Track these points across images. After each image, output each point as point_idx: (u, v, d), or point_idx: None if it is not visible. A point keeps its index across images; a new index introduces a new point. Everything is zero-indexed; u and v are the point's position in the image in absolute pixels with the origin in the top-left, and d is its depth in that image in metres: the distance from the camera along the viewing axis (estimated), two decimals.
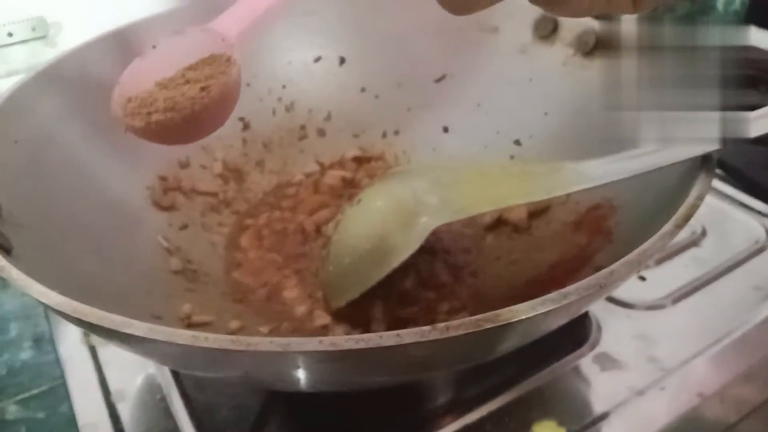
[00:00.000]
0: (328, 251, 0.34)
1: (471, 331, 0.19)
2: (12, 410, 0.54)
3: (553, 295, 0.20)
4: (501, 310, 0.19)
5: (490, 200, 0.30)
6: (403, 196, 0.31)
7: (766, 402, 0.37)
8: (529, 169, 0.32)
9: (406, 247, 0.29)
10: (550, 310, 0.19)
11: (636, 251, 0.22)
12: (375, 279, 0.30)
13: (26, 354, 0.54)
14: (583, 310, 0.25)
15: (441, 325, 0.18)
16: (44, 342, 0.54)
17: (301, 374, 0.20)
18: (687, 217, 0.23)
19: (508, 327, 0.19)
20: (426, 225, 0.29)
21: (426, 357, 0.20)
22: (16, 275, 0.22)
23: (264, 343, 0.18)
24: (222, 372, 0.23)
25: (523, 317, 0.19)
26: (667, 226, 0.23)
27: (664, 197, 0.28)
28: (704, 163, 0.27)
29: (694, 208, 0.24)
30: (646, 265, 0.25)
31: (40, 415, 0.54)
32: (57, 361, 0.55)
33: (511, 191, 0.30)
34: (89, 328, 0.21)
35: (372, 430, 0.31)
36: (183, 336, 0.18)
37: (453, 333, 0.18)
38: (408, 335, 0.18)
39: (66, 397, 0.54)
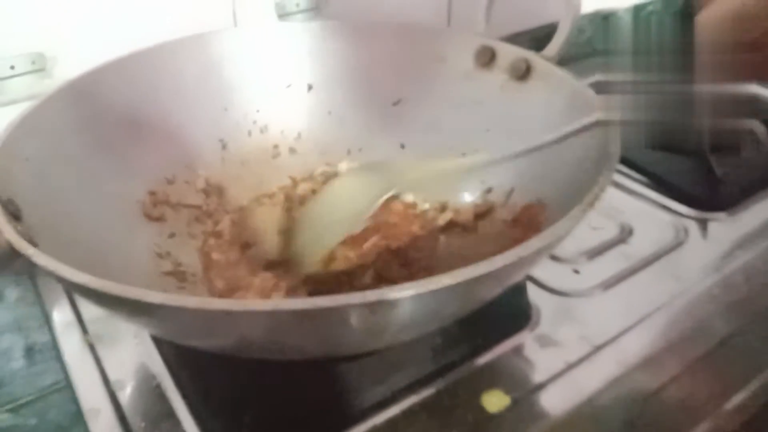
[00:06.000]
0: (294, 227, 0.40)
1: (420, 292, 0.24)
2: (3, 418, 0.57)
3: (484, 263, 0.25)
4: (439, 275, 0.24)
5: (429, 178, 0.37)
6: (361, 178, 0.37)
7: (682, 373, 0.43)
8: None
9: (363, 212, 0.35)
10: (480, 275, 0.25)
11: (547, 231, 0.27)
12: (339, 237, 0.36)
13: (17, 364, 0.57)
14: (508, 282, 0.31)
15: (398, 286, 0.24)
16: (35, 353, 0.57)
17: (285, 334, 0.25)
18: (591, 204, 0.29)
19: (449, 288, 0.24)
20: (380, 193, 0.35)
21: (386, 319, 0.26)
22: (45, 261, 0.26)
23: (258, 303, 0.23)
24: (220, 336, 0.27)
25: (458, 281, 0.24)
26: (574, 212, 0.29)
27: (580, 194, 0.34)
28: (606, 163, 0.33)
29: (597, 197, 0.30)
30: (558, 245, 0.31)
31: (32, 421, 0.57)
32: (46, 372, 0.58)
33: (443, 167, 0.37)
34: (110, 301, 0.26)
35: (347, 402, 0.36)
36: (192, 301, 0.23)
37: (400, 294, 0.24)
38: (372, 294, 0.23)
39: (55, 403, 0.58)
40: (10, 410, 0.58)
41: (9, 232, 0.28)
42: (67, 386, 0.59)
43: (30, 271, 0.50)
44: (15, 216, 0.31)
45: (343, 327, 0.25)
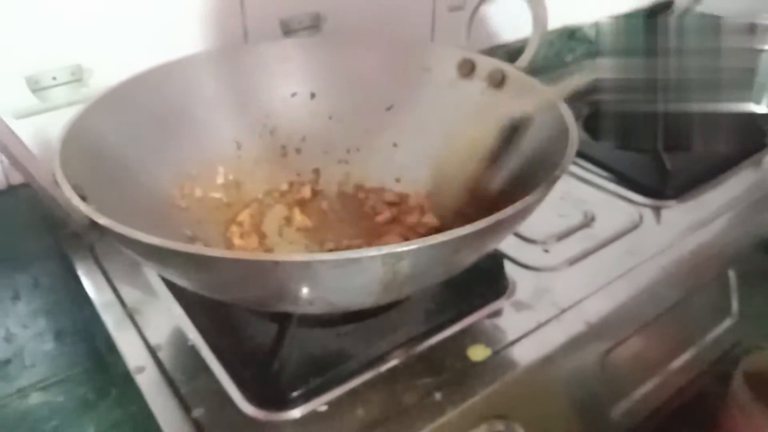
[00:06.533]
0: None
1: (421, 246, 0.31)
2: (35, 396, 0.63)
3: (470, 225, 0.33)
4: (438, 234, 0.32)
5: None
6: None
7: (634, 333, 0.51)
8: None
9: None
10: (468, 234, 0.32)
11: (510, 207, 0.34)
12: None
13: (48, 346, 0.63)
14: (490, 243, 0.38)
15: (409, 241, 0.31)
16: (64, 336, 0.63)
17: (318, 284, 0.32)
18: (548, 187, 0.37)
19: (445, 243, 0.32)
20: None
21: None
22: (122, 228, 0.33)
23: (299, 256, 0.30)
24: (264, 287, 0.34)
25: (452, 237, 0.32)
26: (536, 191, 0.36)
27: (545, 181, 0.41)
28: (564, 154, 0.40)
29: (556, 179, 0.37)
30: (527, 215, 0.37)
31: (60, 399, 0.63)
32: (74, 353, 0.64)
33: None
34: (175, 258, 0.32)
35: (357, 354, 0.43)
36: (246, 254, 0.30)
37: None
38: (386, 248, 0.31)
39: (81, 382, 0.64)
40: (41, 389, 0.64)
41: (85, 209, 0.35)
42: (92, 368, 0.65)
43: (64, 260, 0.56)
44: (83, 198, 0.37)
45: (364, 276, 0.32)
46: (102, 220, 0.34)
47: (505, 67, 0.52)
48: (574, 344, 0.46)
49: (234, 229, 0.51)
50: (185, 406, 0.40)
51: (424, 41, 0.74)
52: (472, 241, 0.34)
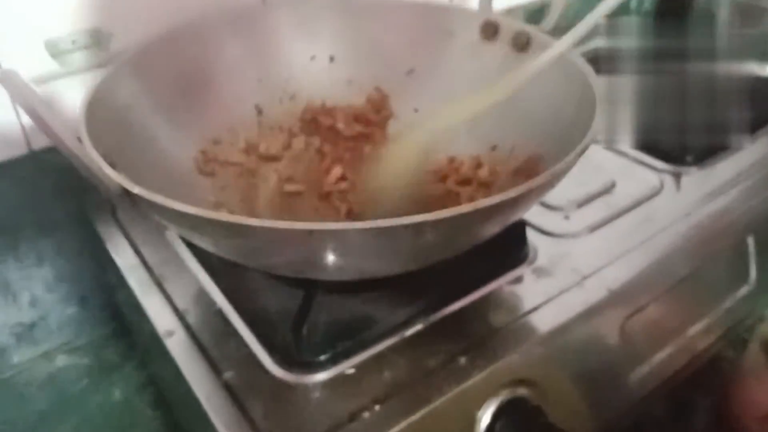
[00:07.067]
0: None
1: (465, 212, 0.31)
2: (61, 359, 0.64)
3: (501, 194, 0.33)
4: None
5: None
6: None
7: (651, 300, 0.51)
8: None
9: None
10: (498, 203, 0.32)
11: (541, 176, 0.34)
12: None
13: (72, 310, 0.64)
14: (519, 211, 0.38)
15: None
16: (88, 300, 0.64)
17: (345, 252, 0.33)
18: (579, 155, 0.36)
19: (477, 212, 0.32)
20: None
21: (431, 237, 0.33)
22: (154, 197, 0.33)
23: (334, 225, 0.30)
24: (295, 254, 0.34)
25: (484, 206, 0.32)
26: (564, 161, 0.36)
27: (570, 146, 0.41)
28: (591, 120, 0.40)
29: (584, 149, 0.37)
30: (556, 183, 0.37)
31: (85, 361, 0.65)
32: (98, 317, 0.65)
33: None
34: (209, 226, 0.33)
35: (384, 319, 0.44)
36: (282, 223, 0.30)
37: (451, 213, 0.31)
38: (417, 217, 0.31)
39: (106, 344, 0.65)
40: (66, 351, 0.66)
41: (116, 176, 0.35)
42: (116, 331, 0.66)
43: (87, 225, 0.57)
44: (113, 165, 0.37)
45: (394, 244, 0.33)
46: (136, 189, 0.34)
47: (530, 30, 0.51)
48: (595, 311, 0.47)
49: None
50: (216, 369, 0.41)
51: (445, 2, 0.72)
52: (503, 209, 0.34)
